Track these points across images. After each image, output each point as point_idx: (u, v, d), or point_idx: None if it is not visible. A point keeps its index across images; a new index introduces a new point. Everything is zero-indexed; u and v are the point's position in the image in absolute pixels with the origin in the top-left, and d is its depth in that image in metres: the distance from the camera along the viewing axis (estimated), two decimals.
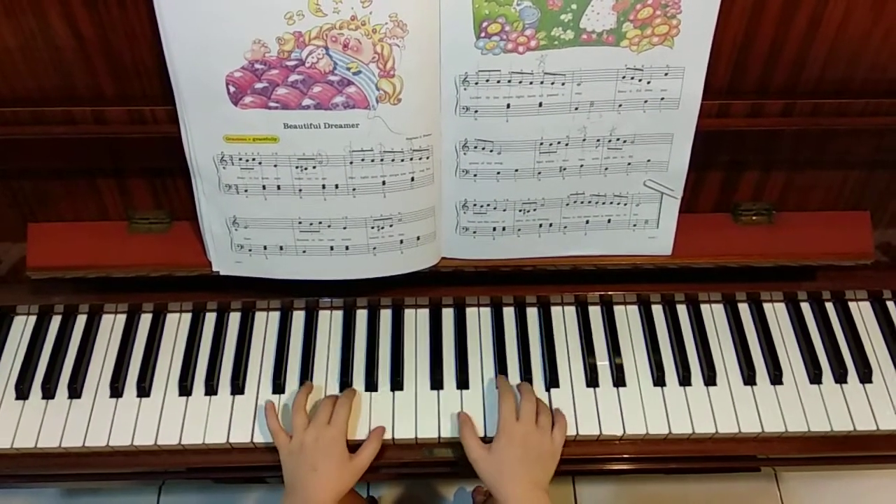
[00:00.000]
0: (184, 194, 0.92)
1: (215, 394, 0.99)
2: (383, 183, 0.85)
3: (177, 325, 1.05)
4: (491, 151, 0.85)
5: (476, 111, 0.81)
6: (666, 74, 0.80)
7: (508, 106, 0.81)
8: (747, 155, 0.90)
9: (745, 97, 0.85)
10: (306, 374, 1.00)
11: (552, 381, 0.99)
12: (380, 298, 1.05)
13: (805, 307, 1.07)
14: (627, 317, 1.06)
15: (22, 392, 0.98)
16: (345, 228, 0.89)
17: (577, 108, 0.82)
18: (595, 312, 1.06)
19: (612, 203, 0.91)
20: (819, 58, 0.83)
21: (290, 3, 0.72)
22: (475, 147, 0.85)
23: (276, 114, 0.80)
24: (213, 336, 1.04)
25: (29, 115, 0.83)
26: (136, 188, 0.92)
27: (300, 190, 0.86)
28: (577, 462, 0.95)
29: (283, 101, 0.78)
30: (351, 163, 0.83)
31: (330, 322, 1.05)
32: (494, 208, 0.90)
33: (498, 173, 0.87)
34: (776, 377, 1.00)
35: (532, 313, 1.06)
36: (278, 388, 0.99)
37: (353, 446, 0.93)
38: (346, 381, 0.99)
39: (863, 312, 1.07)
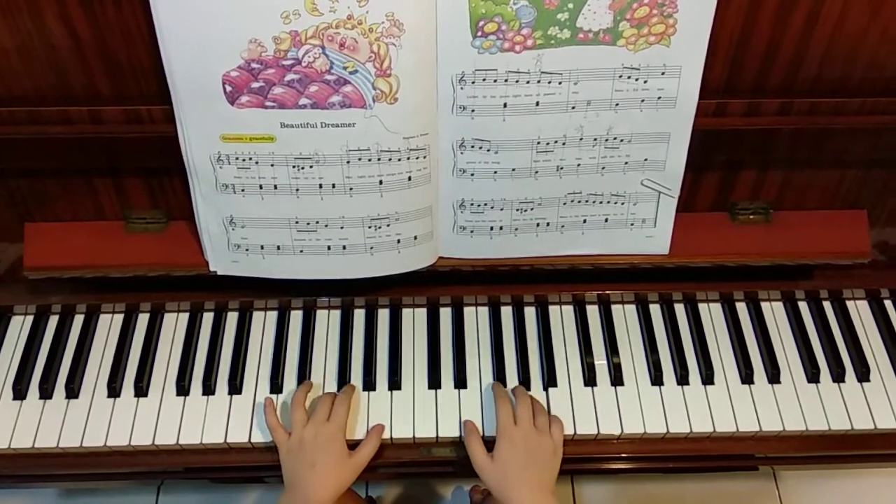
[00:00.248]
0: (180, 194, 0.91)
1: (213, 394, 0.99)
2: (380, 182, 0.85)
3: (174, 324, 1.05)
4: (488, 151, 0.85)
5: (473, 110, 0.81)
6: (663, 73, 0.80)
7: (505, 105, 0.81)
8: (744, 154, 0.90)
9: (742, 96, 0.85)
10: (304, 373, 1.00)
11: (550, 380, 0.99)
12: (377, 298, 1.05)
13: (803, 306, 1.07)
14: (625, 316, 1.06)
15: (19, 392, 0.98)
16: (342, 228, 0.89)
17: (573, 108, 0.82)
18: (593, 312, 1.06)
19: (609, 202, 0.91)
20: (816, 56, 0.83)
21: (287, 3, 0.72)
22: (472, 146, 0.84)
23: (273, 113, 0.80)
24: (211, 336, 1.03)
25: (25, 114, 0.83)
26: (133, 188, 0.92)
27: (297, 189, 0.86)
28: (575, 461, 0.95)
29: (280, 100, 0.78)
30: (348, 162, 0.83)
31: (328, 322, 1.05)
32: (492, 207, 0.90)
33: (495, 172, 0.87)
34: (774, 376, 1.00)
35: (530, 313, 1.06)
36: (276, 387, 0.99)
37: (352, 445, 0.93)
38: (343, 381, 0.99)
39: (860, 311, 1.07)
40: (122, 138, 0.84)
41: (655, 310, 1.06)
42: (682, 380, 1.00)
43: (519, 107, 0.81)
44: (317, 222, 0.88)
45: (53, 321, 1.05)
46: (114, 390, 0.98)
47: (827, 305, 1.07)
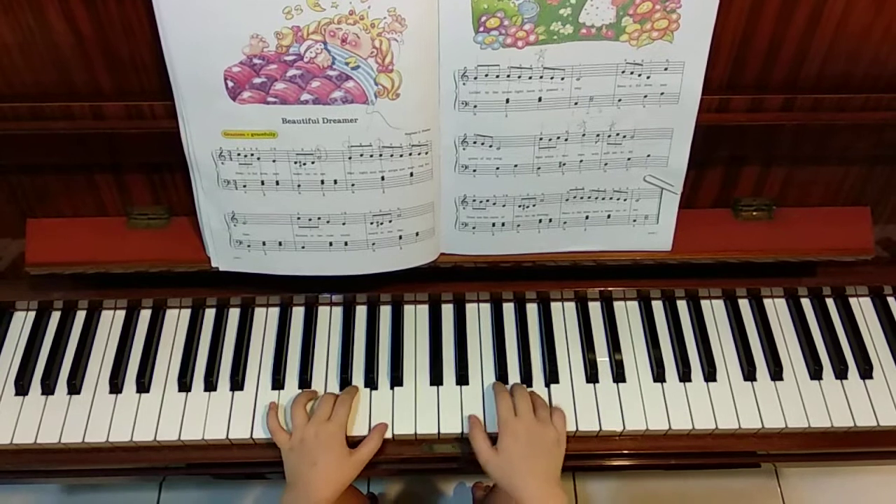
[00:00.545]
0: (182, 190, 0.91)
1: (214, 390, 0.99)
2: (382, 178, 0.85)
3: (176, 321, 1.05)
4: (490, 147, 0.85)
5: (475, 106, 0.81)
6: (665, 69, 0.80)
7: (507, 101, 0.81)
8: (747, 150, 0.90)
9: (745, 92, 0.85)
10: (306, 370, 1.00)
11: (552, 377, 0.99)
12: (379, 294, 1.05)
13: (805, 303, 1.07)
14: (627, 313, 1.06)
15: (21, 388, 0.98)
16: (344, 224, 0.89)
17: (576, 103, 0.82)
18: (595, 308, 1.06)
19: (611, 198, 0.91)
20: (819, 52, 0.83)
21: None
22: (474, 142, 0.84)
23: (275, 109, 0.79)
24: (213, 332, 1.03)
25: (27, 110, 0.83)
26: (135, 184, 0.92)
27: (299, 185, 0.85)
28: (577, 458, 0.95)
29: (282, 96, 0.78)
30: (350, 158, 0.83)
31: (329, 318, 1.05)
32: (494, 204, 0.90)
33: (497, 168, 0.86)
34: (776, 373, 1.00)
35: (532, 309, 1.06)
36: (277, 383, 0.99)
37: (354, 442, 0.93)
38: (345, 377, 0.99)
39: (863, 308, 1.07)
40: (124, 134, 0.84)
41: (658, 306, 1.06)
42: (685, 377, 1.00)
43: (521, 102, 0.81)
44: (318, 218, 0.88)
45: (55, 317, 1.05)
46: (116, 386, 0.98)
47: (830, 302, 1.07)
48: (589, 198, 0.91)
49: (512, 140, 0.84)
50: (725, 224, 0.97)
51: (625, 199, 0.91)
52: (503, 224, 0.92)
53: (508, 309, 1.06)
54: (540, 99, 0.81)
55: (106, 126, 0.84)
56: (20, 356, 1.01)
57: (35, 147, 0.85)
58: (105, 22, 0.77)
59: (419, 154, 0.84)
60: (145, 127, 0.84)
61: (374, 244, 0.91)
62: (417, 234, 0.91)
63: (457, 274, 1.00)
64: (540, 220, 0.92)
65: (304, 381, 0.99)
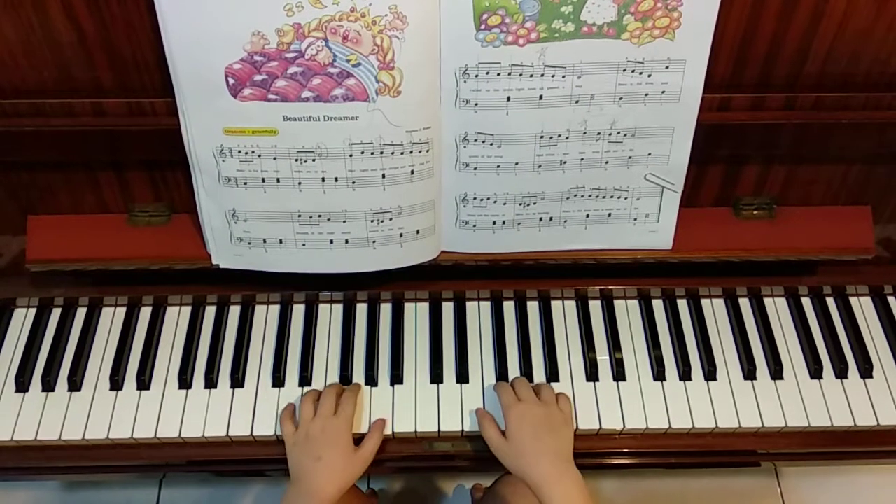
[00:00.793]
0: (183, 187, 0.91)
1: (215, 387, 0.99)
2: (383, 176, 0.85)
3: (177, 318, 1.05)
4: (491, 144, 0.84)
5: (476, 104, 0.81)
6: (667, 67, 0.80)
7: (509, 99, 0.81)
8: (748, 149, 0.90)
9: (747, 90, 0.85)
10: (306, 367, 1.00)
11: (552, 375, 0.99)
12: (380, 292, 1.05)
13: (806, 302, 1.07)
14: (628, 311, 1.06)
15: (22, 385, 0.98)
16: (344, 222, 0.89)
17: (577, 101, 0.82)
18: (595, 307, 1.06)
19: (612, 197, 0.91)
20: (821, 51, 0.83)
21: None
22: (475, 140, 0.84)
23: (276, 106, 0.79)
24: (213, 329, 1.03)
25: (28, 107, 0.83)
26: (136, 181, 0.92)
27: (299, 183, 0.85)
28: (577, 456, 0.95)
29: (283, 93, 0.78)
30: (350, 155, 0.83)
31: (330, 316, 1.05)
32: (494, 202, 0.90)
33: (498, 166, 0.86)
34: (776, 372, 1.00)
35: (532, 307, 1.06)
36: (278, 381, 0.99)
37: (356, 439, 0.92)
38: (345, 375, 0.99)
39: (864, 307, 1.07)
40: (125, 131, 0.84)
41: (658, 305, 1.06)
42: (685, 375, 1.00)
43: (522, 100, 0.81)
44: (319, 216, 0.88)
45: (56, 314, 1.05)
46: (116, 383, 0.99)
47: (830, 301, 1.07)
48: (590, 196, 0.91)
49: (513, 138, 0.84)
50: (726, 223, 0.97)
51: (625, 198, 0.91)
52: (504, 222, 0.92)
53: (509, 307, 1.06)
54: (541, 97, 0.81)
55: (107, 123, 0.84)
56: (21, 353, 1.01)
57: (36, 144, 0.85)
58: (106, 19, 0.77)
59: (420, 152, 0.84)
60: (146, 124, 0.84)
61: (374, 242, 0.91)
62: (418, 231, 0.91)
63: (457, 272, 1.00)
64: (541, 219, 0.92)
65: (305, 379, 0.99)
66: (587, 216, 0.93)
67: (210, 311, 1.05)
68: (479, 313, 1.05)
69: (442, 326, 1.04)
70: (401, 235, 0.91)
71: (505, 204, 0.90)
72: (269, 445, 0.96)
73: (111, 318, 1.05)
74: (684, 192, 0.91)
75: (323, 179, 0.85)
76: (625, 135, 0.85)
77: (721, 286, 1.06)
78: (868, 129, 0.87)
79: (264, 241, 0.91)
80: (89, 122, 0.84)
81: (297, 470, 0.89)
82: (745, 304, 1.07)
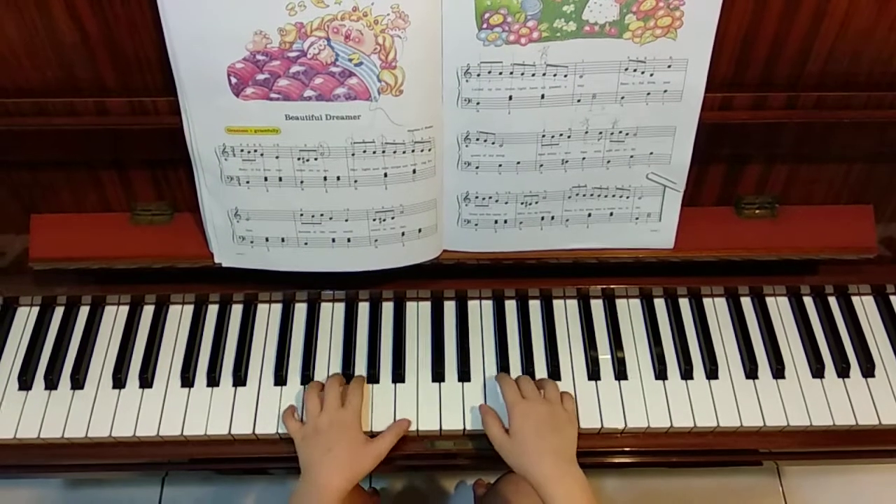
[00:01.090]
0: (186, 186, 0.92)
1: (217, 385, 0.99)
2: (385, 175, 0.85)
3: (179, 316, 1.05)
4: (493, 144, 0.85)
5: (478, 103, 0.81)
6: (669, 67, 0.80)
7: (510, 98, 0.81)
8: (750, 148, 0.89)
9: (749, 90, 0.85)
10: (308, 366, 1.00)
11: (554, 374, 0.99)
12: (382, 291, 1.05)
13: (808, 301, 1.07)
14: (629, 310, 1.06)
15: (25, 383, 0.99)
16: (346, 220, 0.89)
17: (579, 101, 0.82)
18: (597, 306, 1.06)
19: (614, 196, 0.91)
20: (823, 50, 0.83)
21: None
22: (477, 139, 0.84)
23: (278, 105, 0.79)
24: (216, 328, 1.04)
25: (31, 106, 0.83)
26: (139, 180, 0.92)
27: (302, 182, 0.86)
28: (578, 455, 0.95)
29: (285, 92, 0.78)
30: (352, 154, 0.83)
31: (332, 314, 1.05)
32: (496, 201, 0.90)
33: (500, 166, 0.87)
34: (778, 371, 0.99)
35: (534, 306, 1.06)
36: (280, 379, 0.99)
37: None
38: (347, 374, 0.99)
39: (866, 307, 1.06)
40: (128, 130, 0.84)
41: (660, 304, 1.06)
42: (687, 374, 1.00)
43: (524, 100, 0.81)
44: (321, 215, 0.88)
45: (59, 312, 1.05)
46: (119, 382, 0.99)
47: (832, 301, 1.07)
48: (591, 195, 0.91)
49: (514, 137, 0.84)
50: (728, 222, 0.97)
51: (627, 197, 0.91)
52: (505, 221, 0.92)
53: (511, 306, 1.06)
54: (543, 96, 0.81)
55: (109, 122, 0.84)
56: (24, 351, 1.02)
57: (39, 143, 0.86)
58: (109, 18, 0.78)
59: (422, 151, 0.84)
60: (149, 123, 0.84)
61: (376, 241, 0.91)
62: (420, 230, 0.91)
63: (459, 271, 1.00)
64: (542, 218, 0.92)
65: (307, 378, 0.99)
66: (589, 215, 0.93)
67: (212, 310, 1.06)
68: (480, 312, 1.05)
69: (444, 325, 1.04)
70: (403, 234, 0.91)
71: (507, 203, 0.90)
72: (272, 443, 0.96)
73: (114, 317, 1.05)
74: (686, 191, 0.91)
75: (325, 178, 0.85)
76: (626, 134, 0.85)
77: (723, 285, 1.06)
78: (870, 128, 0.87)
79: (266, 239, 0.91)
80: (92, 121, 0.84)
81: (306, 463, 0.89)
82: (747, 303, 1.07)
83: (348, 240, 0.91)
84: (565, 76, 0.80)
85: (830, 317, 1.05)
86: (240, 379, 0.99)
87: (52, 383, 0.99)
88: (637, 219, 0.93)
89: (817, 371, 1.00)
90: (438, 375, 0.99)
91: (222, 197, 0.88)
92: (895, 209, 0.98)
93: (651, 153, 0.87)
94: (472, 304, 1.06)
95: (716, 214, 0.97)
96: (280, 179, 0.86)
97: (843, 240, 0.97)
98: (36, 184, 0.92)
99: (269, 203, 0.88)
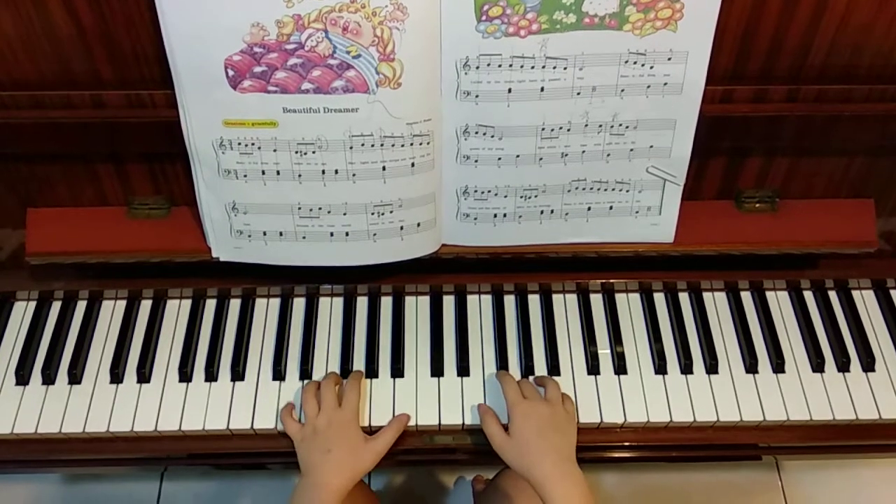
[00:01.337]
0: (183, 180, 0.91)
1: (215, 380, 0.99)
2: (383, 168, 0.85)
3: (177, 311, 1.05)
4: (492, 137, 0.84)
5: (477, 96, 0.81)
6: (669, 59, 0.79)
7: (510, 91, 0.80)
8: (751, 141, 0.89)
9: (749, 82, 0.84)
10: (307, 360, 1.00)
11: (553, 368, 0.99)
12: (380, 285, 1.04)
13: (808, 295, 1.06)
14: (629, 305, 1.06)
15: (22, 378, 0.98)
16: (345, 214, 0.88)
17: (579, 93, 0.81)
18: (596, 300, 1.06)
19: (614, 190, 0.91)
20: (824, 43, 0.82)
21: None
22: (476, 132, 0.84)
23: (276, 98, 0.79)
24: (214, 323, 1.03)
25: (27, 99, 0.83)
26: (136, 173, 0.92)
27: (299, 175, 0.85)
28: (578, 450, 0.95)
29: (283, 84, 0.78)
30: (351, 148, 0.83)
31: (330, 309, 1.05)
32: (495, 195, 0.90)
33: (499, 159, 0.86)
34: (778, 365, 0.99)
35: (533, 301, 1.05)
36: (278, 374, 0.99)
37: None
38: (346, 368, 0.99)
39: (866, 301, 1.06)
40: (125, 123, 0.84)
41: (660, 298, 1.06)
42: (686, 369, 0.99)
43: (523, 92, 0.80)
44: (319, 208, 0.88)
45: (56, 307, 1.05)
46: (116, 376, 0.98)
47: (832, 295, 1.06)
48: (591, 189, 0.90)
49: (514, 130, 0.83)
50: (728, 216, 0.96)
51: (627, 191, 0.91)
52: (505, 215, 0.92)
53: (510, 300, 1.05)
54: (542, 89, 0.80)
55: (106, 115, 0.84)
56: (21, 346, 1.01)
57: (35, 136, 0.85)
58: (105, 10, 0.77)
59: (420, 144, 0.84)
60: (145, 116, 0.83)
61: (375, 235, 0.90)
62: (419, 224, 0.91)
63: (458, 265, 1.00)
64: (542, 212, 0.92)
65: (305, 372, 0.99)
66: (588, 209, 0.92)
67: (210, 305, 1.05)
68: (479, 306, 1.05)
69: (443, 320, 1.03)
70: (401, 228, 0.90)
71: (506, 197, 0.90)
72: (270, 438, 0.96)
73: (111, 312, 1.05)
74: (686, 184, 0.90)
75: (323, 172, 0.85)
76: (626, 127, 0.85)
77: (723, 279, 1.06)
78: (871, 121, 0.86)
79: (264, 233, 0.91)
80: (88, 114, 0.84)
81: (306, 464, 0.88)
82: (746, 297, 1.06)
83: (347, 234, 0.90)
84: (565, 69, 0.79)
85: (831, 311, 1.04)
86: (238, 374, 0.99)
87: (49, 378, 0.98)
88: (637, 213, 0.93)
89: (817, 365, 0.99)
90: (437, 370, 0.99)
91: (220, 191, 0.88)
92: None
93: (651, 146, 0.87)
94: (472, 299, 1.06)
95: (716, 208, 0.96)
96: (278, 173, 0.85)
97: (844, 234, 0.97)
98: (32, 177, 0.92)
99: (267, 197, 0.87)
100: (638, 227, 0.94)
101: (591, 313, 1.04)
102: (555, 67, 0.79)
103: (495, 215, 0.92)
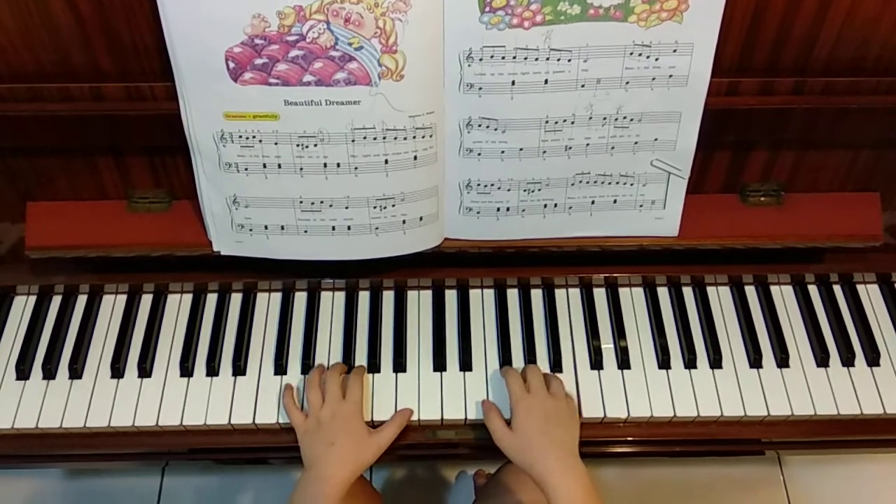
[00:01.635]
0: (184, 173, 0.91)
1: (217, 375, 0.98)
2: (386, 161, 0.84)
3: (178, 305, 1.04)
4: (495, 130, 0.83)
5: (480, 88, 0.80)
6: (674, 51, 0.78)
7: (513, 83, 0.79)
8: (756, 134, 0.88)
9: (755, 75, 0.84)
10: (308, 355, 0.99)
11: (556, 363, 0.99)
12: (382, 280, 1.04)
13: (813, 290, 1.06)
14: (633, 299, 1.05)
15: (22, 372, 0.98)
16: (347, 208, 0.88)
17: (583, 86, 0.80)
18: (600, 295, 1.05)
19: (618, 183, 0.90)
20: (831, 35, 0.81)
21: None
22: (479, 125, 0.83)
23: (277, 90, 0.78)
24: (215, 317, 1.03)
25: (26, 91, 0.82)
26: (136, 167, 0.91)
27: (301, 168, 0.84)
28: (580, 444, 0.94)
29: (284, 77, 0.77)
30: (353, 141, 0.82)
31: (332, 303, 1.04)
32: (498, 188, 0.89)
33: (502, 152, 0.85)
34: (783, 360, 0.99)
35: (536, 295, 1.05)
36: (280, 369, 0.98)
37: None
38: (348, 363, 0.99)
39: (871, 295, 1.06)
40: (124, 116, 0.83)
41: (663, 293, 1.05)
42: (690, 364, 0.99)
43: (527, 85, 0.80)
44: (321, 202, 0.87)
45: (56, 301, 1.04)
46: (117, 371, 0.98)
47: (837, 289, 1.06)
48: (595, 182, 0.90)
49: (517, 123, 0.83)
50: (733, 210, 0.96)
51: (631, 184, 0.90)
52: (508, 209, 0.91)
53: (513, 295, 1.05)
54: (546, 81, 0.79)
55: (105, 108, 0.83)
56: (21, 341, 1.01)
57: (34, 129, 0.84)
58: (105, 2, 0.76)
59: (423, 137, 0.83)
60: (146, 109, 0.83)
61: (377, 228, 0.90)
62: (421, 218, 0.90)
63: (461, 259, 0.99)
64: (545, 205, 0.91)
65: (307, 367, 0.98)
66: (592, 203, 0.91)
67: (211, 299, 1.05)
68: (482, 301, 1.04)
69: (445, 314, 1.03)
70: (404, 222, 0.90)
71: (509, 190, 0.89)
72: (272, 433, 0.96)
73: (112, 306, 1.04)
74: (691, 178, 0.89)
75: (325, 165, 0.84)
76: (631, 120, 0.84)
77: (727, 274, 1.05)
78: (877, 114, 0.85)
79: (265, 227, 0.90)
80: (88, 106, 0.83)
81: (309, 457, 0.88)
82: (751, 291, 1.06)
83: (348, 227, 0.89)
84: (569, 61, 0.78)
85: (835, 305, 1.04)
86: (239, 368, 0.98)
87: (49, 373, 0.98)
88: (641, 206, 0.92)
89: (822, 360, 0.99)
90: (440, 365, 0.98)
91: (221, 184, 0.87)
92: None
93: (656, 139, 0.86)
94: (474, 293, 1.05)
95: (720, 202, 0.96)
96: (279, 166, 0.84)
97: (849, 227, 0.96)
98: (32, 171, 0.91)
99: (269, 190, 0.87)
100: (642, 221, 0.93)
101: (594, 308, 1.04)
102: (559, 59, 0.78)
103: (498, 209, 0.91)
